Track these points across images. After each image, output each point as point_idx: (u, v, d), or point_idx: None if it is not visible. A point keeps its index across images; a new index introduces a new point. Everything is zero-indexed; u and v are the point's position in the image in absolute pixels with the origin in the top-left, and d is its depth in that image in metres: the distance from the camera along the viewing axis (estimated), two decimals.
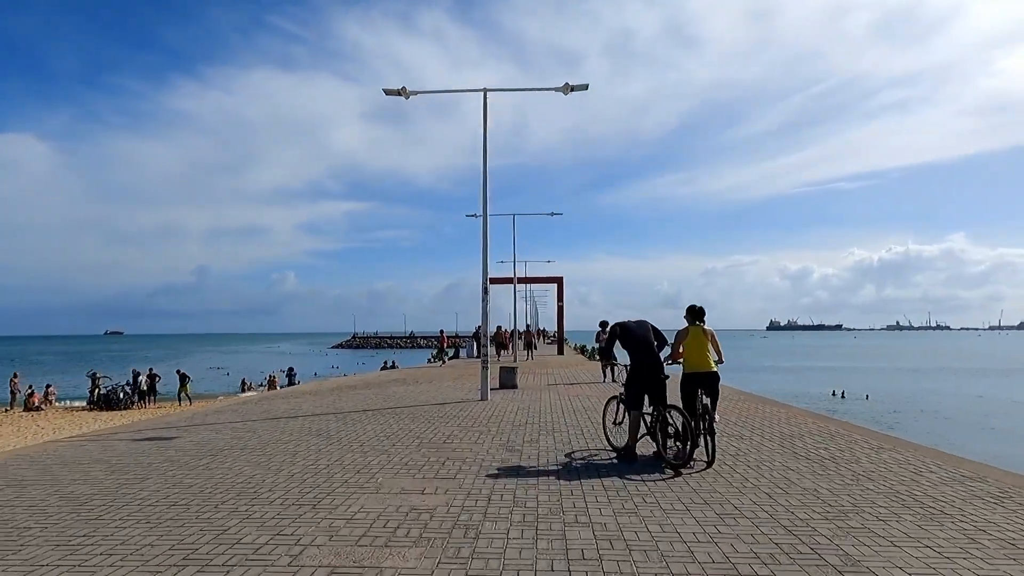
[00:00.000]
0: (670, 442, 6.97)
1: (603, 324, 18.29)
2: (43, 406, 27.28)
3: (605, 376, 18.06)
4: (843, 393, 40.47)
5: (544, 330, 72.63)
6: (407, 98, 13.98)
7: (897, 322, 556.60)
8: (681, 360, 7.47)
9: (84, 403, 28.84)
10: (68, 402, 31.06)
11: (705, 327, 7.50)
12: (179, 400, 28.90)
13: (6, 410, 27.18)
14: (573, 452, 7.85)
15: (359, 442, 8.60)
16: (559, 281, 37.49)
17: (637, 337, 7.48)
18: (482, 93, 14.15)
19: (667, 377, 7.40)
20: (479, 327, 35.23)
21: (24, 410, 26.69)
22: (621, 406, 8.22)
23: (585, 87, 14.08)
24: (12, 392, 27.95)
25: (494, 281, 38.18)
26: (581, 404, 12.54)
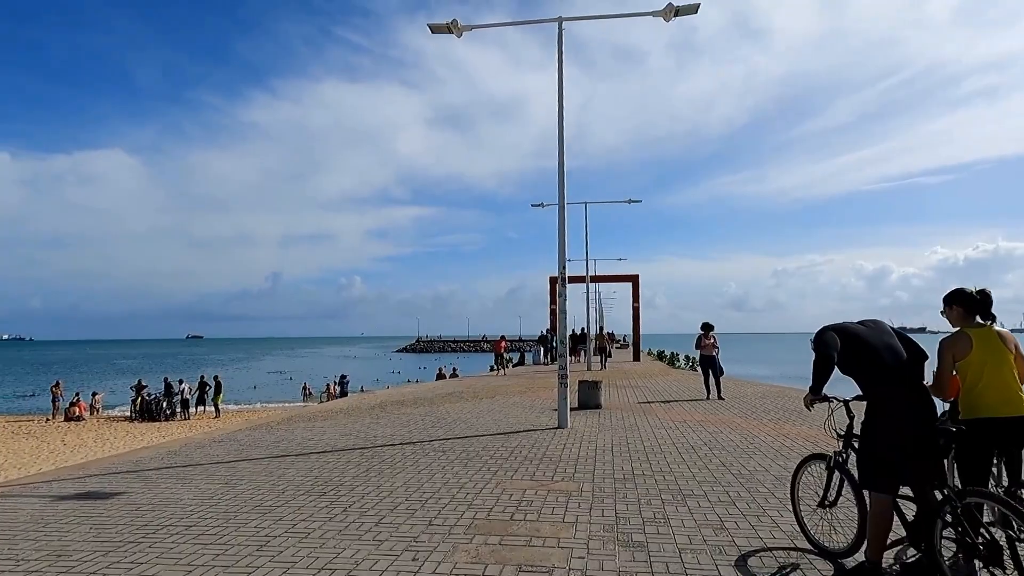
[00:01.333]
0: (978, 565, 3.42)
1: (706, 327, 14.68)
2: (85, 415, 25.71)
3: (709, 392, 14.48)
4: None
5: (612, 334, 68.60)
6: (459, 36, 11.15)
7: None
8: (958, 395, 3.98)
9: (128, 412, 27.17)
10: (118, 409, 29.61)
11: (1001, 330, 3.96)
12: (215, 409, 26.78)
13: (47, 419, 25.76)
14: (738, 547, 4.46)
15: (375, 511, 5.48)
16: (634, 280, 33.78)
17: (878, 350, 3.91)
18: (556, 24, 11.12)
19: (953, 432, 3.87)
20: (546, 330, 32.07)
21: (64, 419, 25.16)
22: (839, 476, 4.41)
23: (695, 9, 10.36)
24: (53, 400, 26.55)
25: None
26: (699, 437, 9.08)
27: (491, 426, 10.37)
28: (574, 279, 33.87)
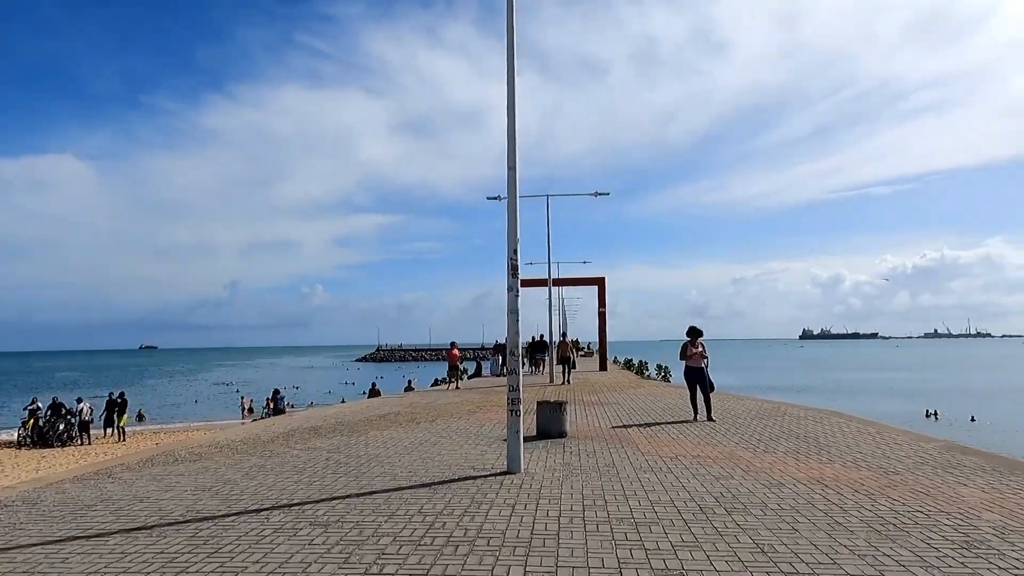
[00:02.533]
0: None
1: (693, 332, 12.13)
2: None
3: (696, 411, 11.93)
4: (936, 414, 34.22)
5: (576, 341, 66.37)
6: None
7: (935, 329, 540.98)
8: None
9: (16, 436, 23.39)
10: (5, 433, 25.74)
11: None
12: (117, 433, 23.20)
13: None
14: None
15: None
16: (600, 283, 31.32)
17: None
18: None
19: None
20: (499, 342, 29.43)
21: None
22: None
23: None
24: None
25: (524, 283, 32.14)
26: (707, 488, 6.41)
27: (415, 471, 7.55)
28: (535, 282, 31.34)
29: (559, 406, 9.99)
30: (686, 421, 11.65)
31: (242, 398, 38.24)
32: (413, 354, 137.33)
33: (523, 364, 27.70)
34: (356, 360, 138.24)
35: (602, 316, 31.03)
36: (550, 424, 9.86)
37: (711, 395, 11.91)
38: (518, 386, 7.40)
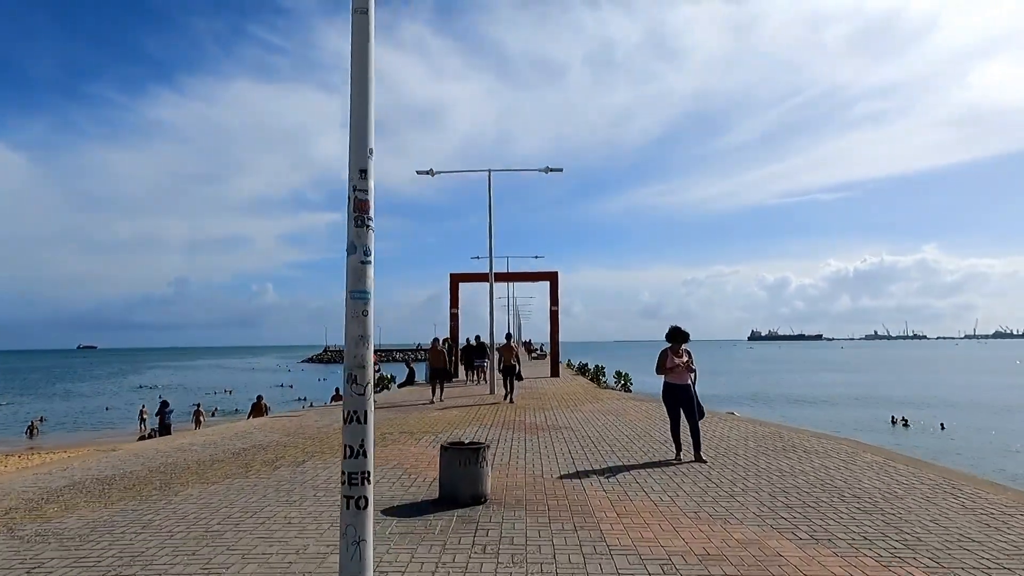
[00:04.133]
0: None
1: (675, 335, 8.56)
2: None
3: (679, 446, 8.42)
4: (905, 421, 32.29)
5: (530, 342, 62.78)
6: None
7: (876, 331, 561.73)
8: None
9: None
10: None
11: None
12: None
13: None
14: None
15: None
16: (552, 278, 27.81)
17: None
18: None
19: None
20: (444, 339, 25.40)
21: None
22: None
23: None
24: None
25: (466, 278, 28.45)
26: None
27: None
28: (477, 276, 27.57)
29: (476, 453, 6.25)
30: (667, 462, 8.11)
31: (141, 408, 33.37)
32: (396, 356, 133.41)
33: (436, 377, 23.94)
34: (302, 361, 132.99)
35: (554, 315, 27.49)
36: (459, 482, 6.13)
37: (699, 423, 8.41)
38: (363, 445, 3.61)
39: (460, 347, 24.99)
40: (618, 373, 21.48)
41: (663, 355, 8.49)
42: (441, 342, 25.62)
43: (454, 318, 27.38)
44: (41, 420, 45.69)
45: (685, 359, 8.39)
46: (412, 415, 13.38)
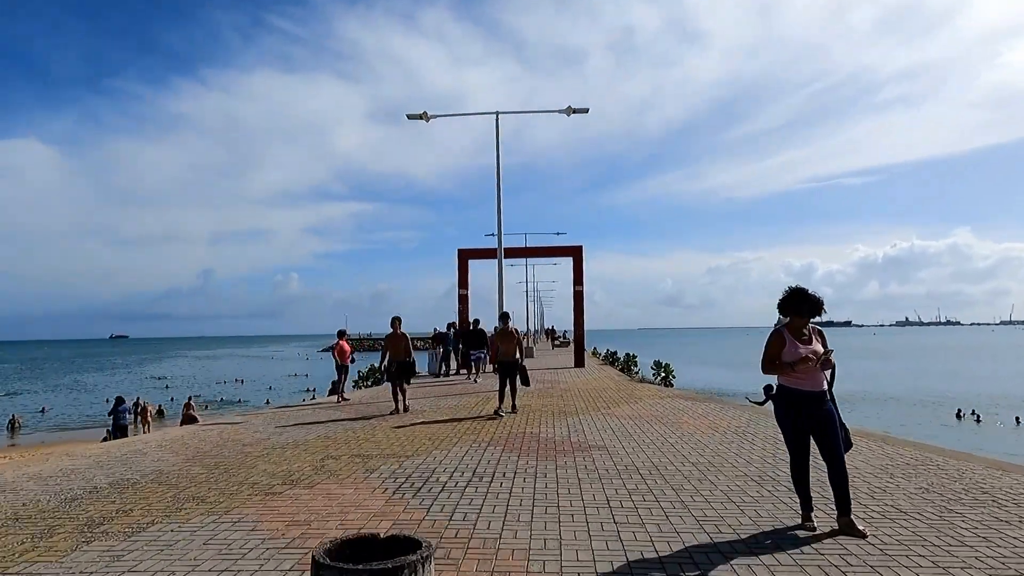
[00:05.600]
0: None
1: (798, 301, 4.75)
2: None
3: (811, 511, 4.63)
4: (977, 416, 28.09)
5: (552, 328, 59.07)
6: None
7: (907, 318, 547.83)
8: None
9: None
10: None
11: None
12: None
13: None
14: None
15: None
16: (576, 253, 24.02)
17: None
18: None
19: None
20: (448, 324, 21.62)
21: None
22: None
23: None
24: None
25: (477, 254, 24.76)
26: None
27: None
28: (489, 252, 23.91)
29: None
30: (792, 535, 4.39)
31: (117, 397, 30.49)
32: (382, 343, 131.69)
33: (440, 365, 19.78)
34: (321, 351, 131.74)
35: (578, 296, 23.71)
36: None
37: (844, 453, 4.60)
38: None
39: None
40: (657, 364, 17.67)
41: (775, 340, 4.73)
42: (447, 327, 22.23)
43: (463, 300, 23.74)
44: (43, 411, 43.69)
45: (817, 346, 4.64)
46: (382, 426, 9.77)
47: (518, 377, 10.87)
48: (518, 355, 10.89)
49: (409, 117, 15.27)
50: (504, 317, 11.33)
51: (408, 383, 11.58)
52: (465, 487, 5.84)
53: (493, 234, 33.58)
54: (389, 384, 11.81)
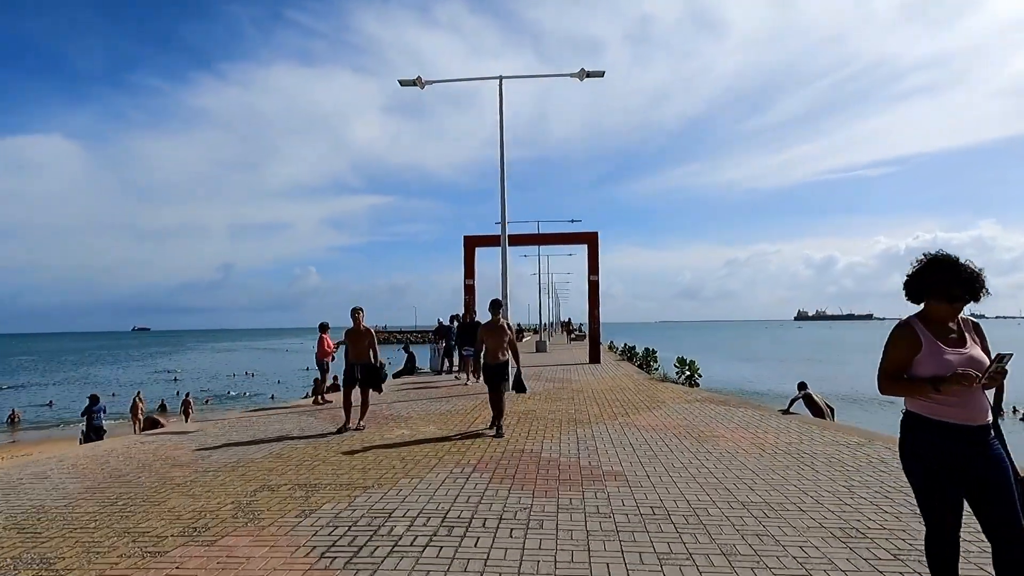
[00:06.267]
0: None
1: (948, 274, 2.92)
2: None
3: None
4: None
5: (569, 321, 57.19)
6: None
7: None
8: None
9: None
10: None
11: None
12: None
13: None
14: None
15: None
16: (591, 240, 22.21)
17: None
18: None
19: None
20: (452, 317, 19.33)
21: None
22: None
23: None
24: None
25: (484, 241, 23.03)
26: None
27: None
28: (494, 239, 22.16)
29: None
30: None
31: (96, 395, 29.34)
32: (397, 336, 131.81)
33: (441, 361, 17.88)
34: (337, 343, 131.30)
35: (594, 286, 21.90)
36: None
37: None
38: None
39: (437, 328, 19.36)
40: (681, 360, 15.83)
41: (902, 340, 2.92)
42: (449, 319, 20.44)
43: (469, 291, 22.05)
44: (50, 404, 42.98)
45: (975, 351, 2.84)
46: (349, 441, 8.06)
47: (508, 385, 8.48)
48: (507, 355, 8.54)
49: (402, 83, 13.54)
50: (495, 306, 8.61)
51: (379, 390, 9.33)
52: (425, 547, 4.12)
53: (497, 223, 31.70)
54: (346, 392, 9.21)
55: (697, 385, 15.36)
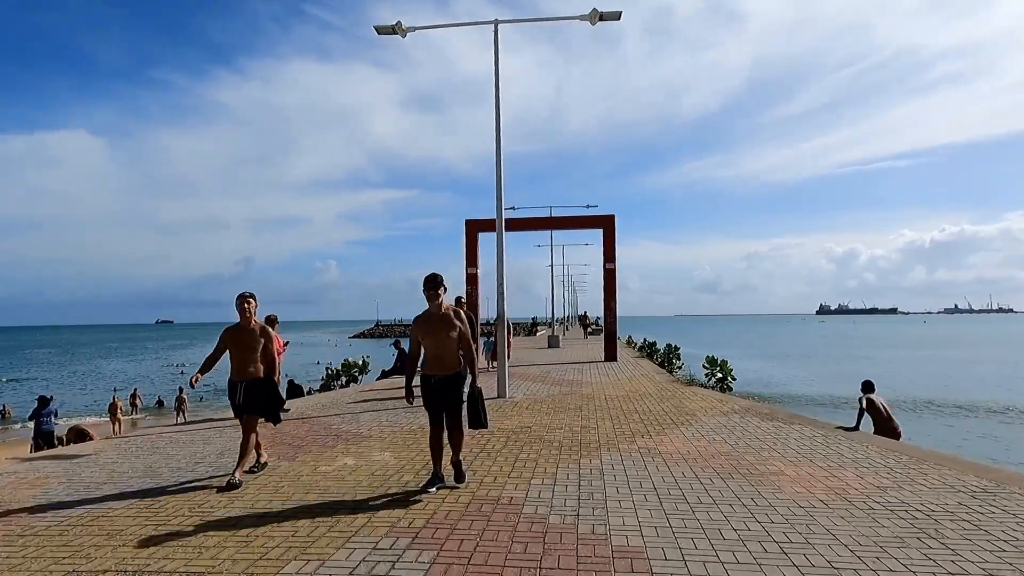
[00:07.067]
0: None
1: None
2: None
3: None
4: None
5: (586, 315, 54.84)
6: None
7: (956, 305, 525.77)
8: None
9: None
10: None
11: None
12: None
13: None
14: None
15: None
16: (607, 224, 19.90)
17: None
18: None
19: None
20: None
21: None
22: None
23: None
24: None
25: (487, 226, 20.80)
26: None
27: None
28: (518, 223, 20.01)
29: None
30: None
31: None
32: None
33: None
34: (352, 337, 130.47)
35: (610, 274, 19.59)
36: None
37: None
38: None
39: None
40: (711, 360, 13.50)
41: None
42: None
43: (472, 281, 19.89)
44: (51, 398, 41.64)
45: None
46: (254, 485, 5.86)
47: (462, 410, 5.31)
48: (465, 366, 5.33)
49: (379, 31, 11.37)
50: (432, 284, 5.15)
51: (274, 419, 6.04)
52: None
53: (514, 208, 29.38)
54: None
55: (731, 390, 13.04)
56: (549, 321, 57.77)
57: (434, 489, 5.19)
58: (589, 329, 45.70)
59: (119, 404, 23.07)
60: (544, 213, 29.58)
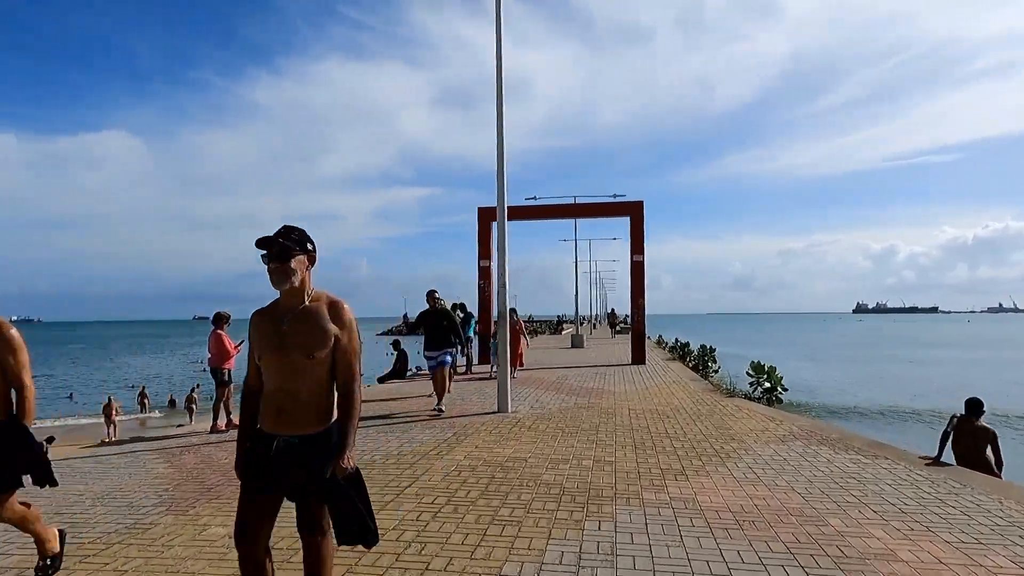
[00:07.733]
0: None
1: None
2: None
3: None
4: None
5: (613, 312, 52.63)
6: None
7: (1000, 303, 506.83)
8: None
9: None
10: None
11: None
12: None
13: None
14: None
15: None
16: (634, 211, 17.86)
17: None
18: None
19: None
20: (455, 305, 14.04)
21: None
22: None
23: None
24: None
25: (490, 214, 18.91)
26: None
27: None
28: (521, 211, 18.13)
29: None
30: None
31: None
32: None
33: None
34: (379, 334, 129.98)
35: (638, 267, 17.57)
36: None
37: None
38: None
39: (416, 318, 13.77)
40: (756, 367, 11.40)
41: None
42: (451, 308, 15.91)
43: (484, 274, 18.03)
44: (71, 397, 41.26)
45: None
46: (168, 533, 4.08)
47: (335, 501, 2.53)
48: (334, 412, 2.62)
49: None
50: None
51: (43, 480, 3.29)
52: None
53: (535, 197, 27.32)
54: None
55: (780, 402, 10.95)
56: (580, 319, 55.78)
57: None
58: (617, 327, 43.59)
59: (115, 405, 21.74)
60: (568, 203, 27.62)
